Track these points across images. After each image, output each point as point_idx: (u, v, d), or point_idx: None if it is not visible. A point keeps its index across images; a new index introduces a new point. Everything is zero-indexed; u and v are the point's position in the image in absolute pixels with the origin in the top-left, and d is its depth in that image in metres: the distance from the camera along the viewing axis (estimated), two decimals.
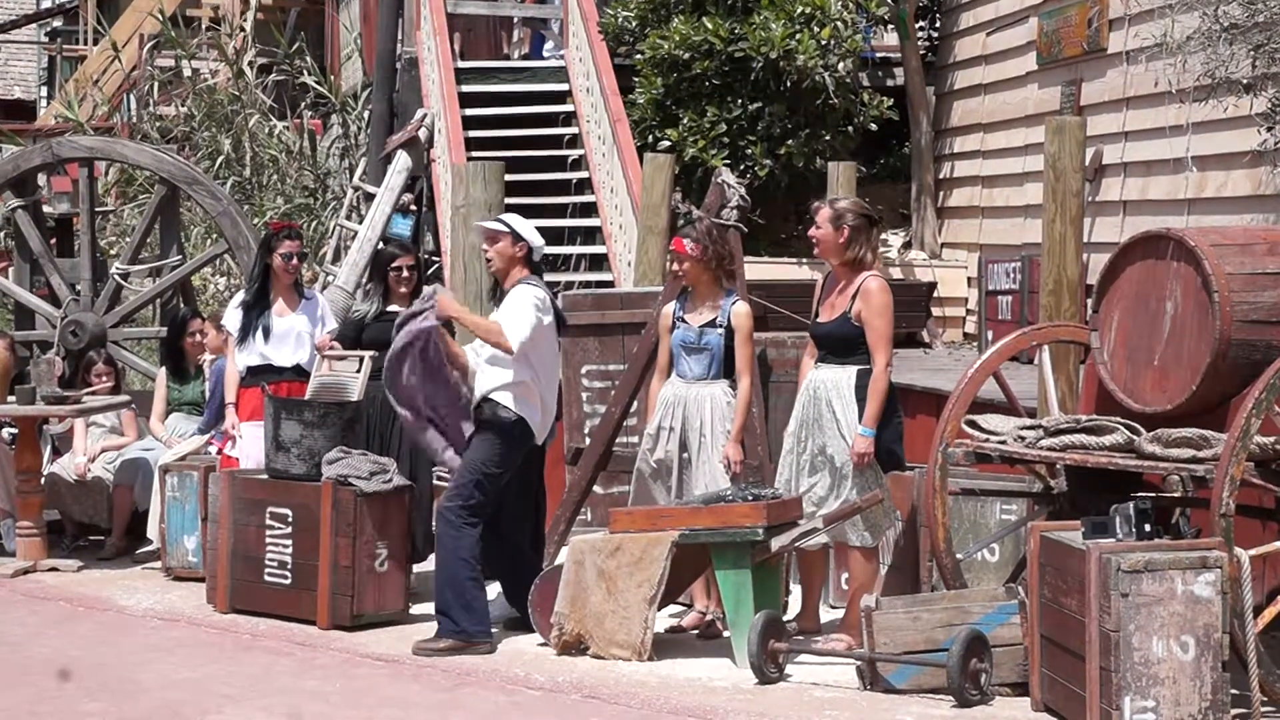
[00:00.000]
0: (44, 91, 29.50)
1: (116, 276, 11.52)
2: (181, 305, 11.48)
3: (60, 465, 10.27)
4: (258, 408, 9.08)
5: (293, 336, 9.22)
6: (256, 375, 9.21)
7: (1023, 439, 7.14)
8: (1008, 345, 7.73)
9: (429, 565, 8.45)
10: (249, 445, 9.10)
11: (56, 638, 8.19)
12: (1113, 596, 6.11)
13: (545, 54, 17.31)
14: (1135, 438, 6.85)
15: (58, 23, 29.26)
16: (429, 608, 8.07)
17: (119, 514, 10.12)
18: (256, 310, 9.18)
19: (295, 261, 9.23)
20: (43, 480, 9.91)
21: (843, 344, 7.64)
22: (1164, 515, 6.79)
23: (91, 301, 11.42)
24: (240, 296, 9.37)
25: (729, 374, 8.04)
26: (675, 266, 8.24)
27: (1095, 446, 6.92)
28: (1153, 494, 6.99)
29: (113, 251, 14.80)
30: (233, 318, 9.29)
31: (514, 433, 7.85)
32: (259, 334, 9.14)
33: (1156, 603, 6.13)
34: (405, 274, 8.91)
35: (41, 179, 13.29)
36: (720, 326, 8.02)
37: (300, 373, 9.17)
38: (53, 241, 12.07)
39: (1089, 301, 7.64)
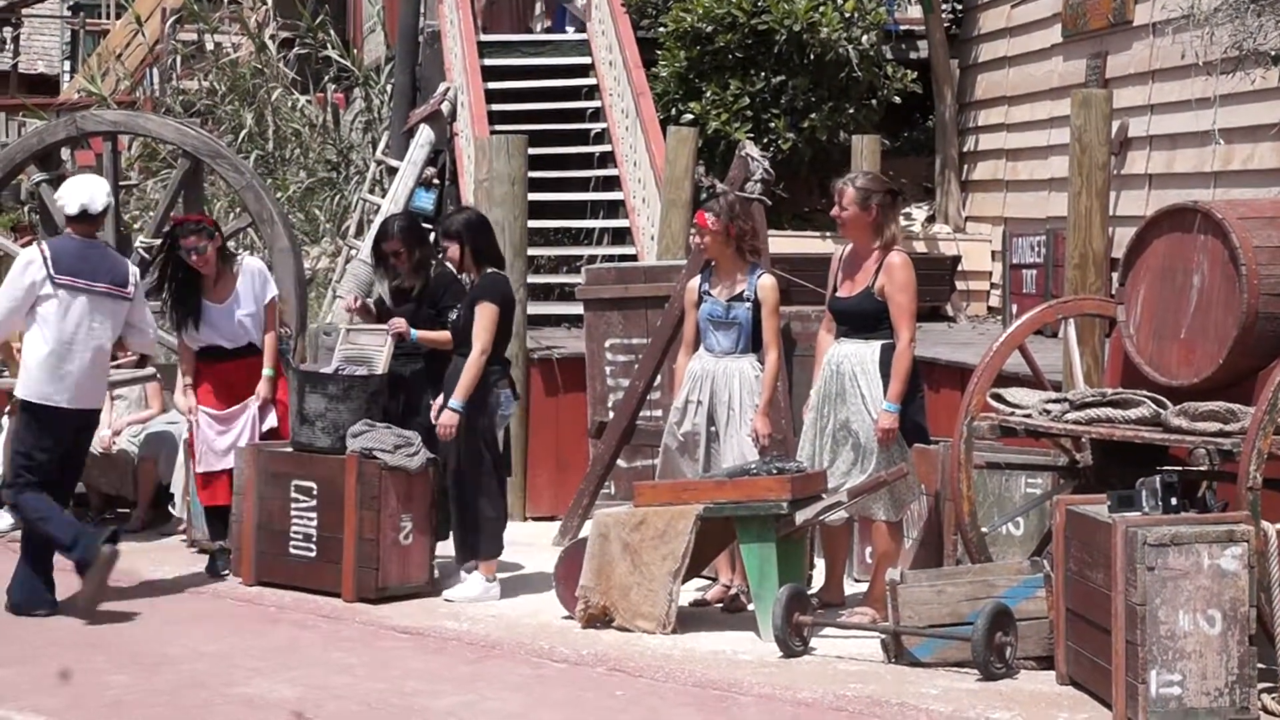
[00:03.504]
0: (67, 66, 29.52)
1: (141, 250, 11.53)
2: None
3: None
4: (212, 389, 8.83)
5: (232, 317, 8.75)
6: (209, 356, 8.84)
7: (1048, 413, 7.12)
8: (1033, 319, 7.71)
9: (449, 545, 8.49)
10: (205, 432, 8.75)
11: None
12: (1139, 570, 6.10)
13: (566, 27, 17.28)
14: (1161, 411, 6.84)
15: None
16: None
17: (144, 487, 10.16)
18: (181, 300, 8.67)
19: (196, 257, 8.59)
20: None
21: (865, 319, 7.63)
22: (1190, 489, 6.76)
23: None
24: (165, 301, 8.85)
25: (756, 347, 8.03)
26: (697, 240, 8.27)
27: (1121, 420, 6.91)
28: (1179, 467, 6.97)
29: (136, 225, 14.80)
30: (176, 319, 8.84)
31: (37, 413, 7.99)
32: (193, 323, 8.71)
33: (1183, 576, 6.11)
34: (393, 260, 8.74)
35: (65, 153, 13.32)
36: (747, 300, 8.01)
37: (253, 350, 8.80)
38: None
39: (1115, 275, 7.61)
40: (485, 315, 8.22)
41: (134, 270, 8.31)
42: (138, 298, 8.27)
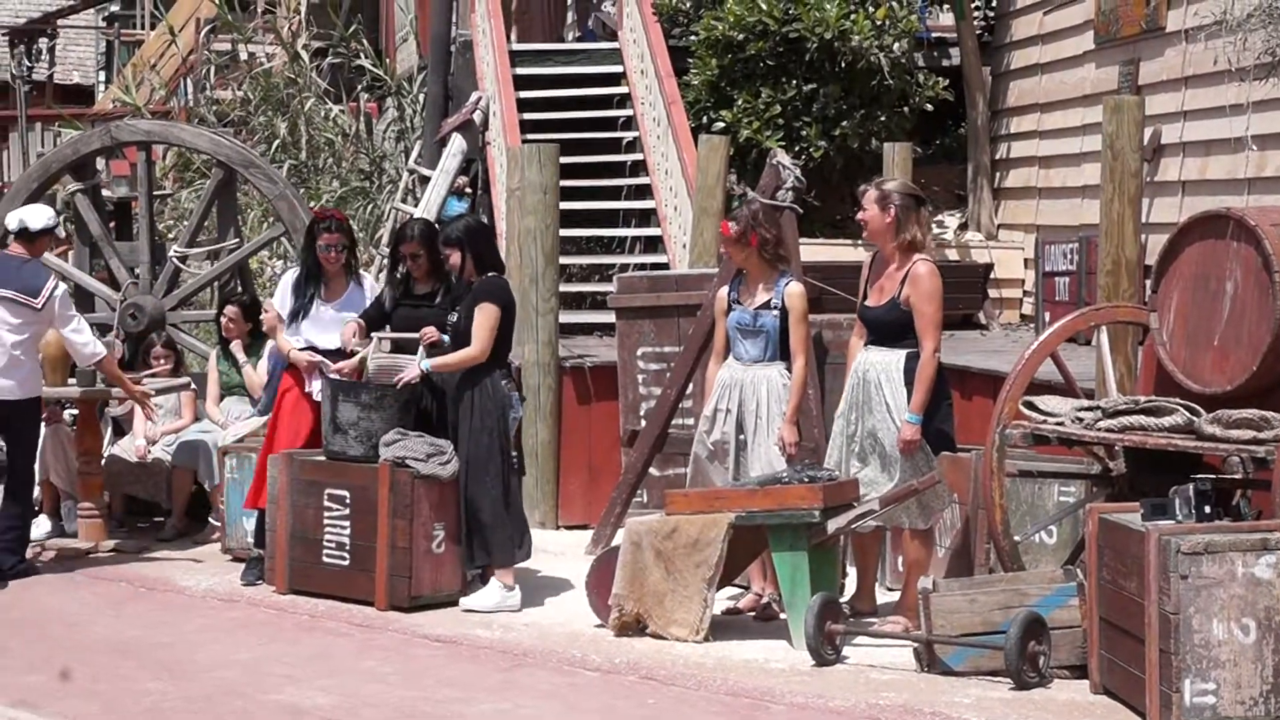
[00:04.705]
0: (102, 76, 29.67)
1: (175, 260, 11.59)
2: (238, 288, 11.56)
3: (120, 446, 10.37)
4: (299, 392, 9.02)
5: (337, 322, 8.97)
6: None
7: (1081, 420, 7.10)
8: (1066, 326, 7.69)
9: None
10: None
11: (117, 618, 8.27)
12: (1172, 579, 6.08)
13: (589, 26, 17.32)
14: (1195, 419, 6.81)
15: (115, 7, 29.43)
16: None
17: (178, 495, 10.21)
18: (305, 294, 9.05)
19: (333, 254, 8.98)
20: (103, 461, 10.00)
21: (892, 328, 7.62)
22: (1224, 497, 6.75)
23: (150, 284, 11.51)
24: (288, 277, 9.31)
25: (785, 355, 8.02)
26: (721, 248, 8.29)
27: (1154, 428, 6.88)
28: (1213, 475, 6.93)
29: (170, 235, 14.88)
30: (281, 299, 9.22)
31: None
32: (302, 319, 9.00)
33: (1217, 585, 6.09)
34: (411, 261, 8.77)
35: (100, 163, 13.40)
36: (775, 308, 8.00)
37: (345, 357, 8.91)
38: (111, 225, 12.15)
39: (1147, 282, 7.59)
40: (487, 316, 8.26)
41: (51, 287, 8.98)
42: (56, 313, 8.97)
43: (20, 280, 9.01)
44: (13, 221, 9.25)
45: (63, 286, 9.20)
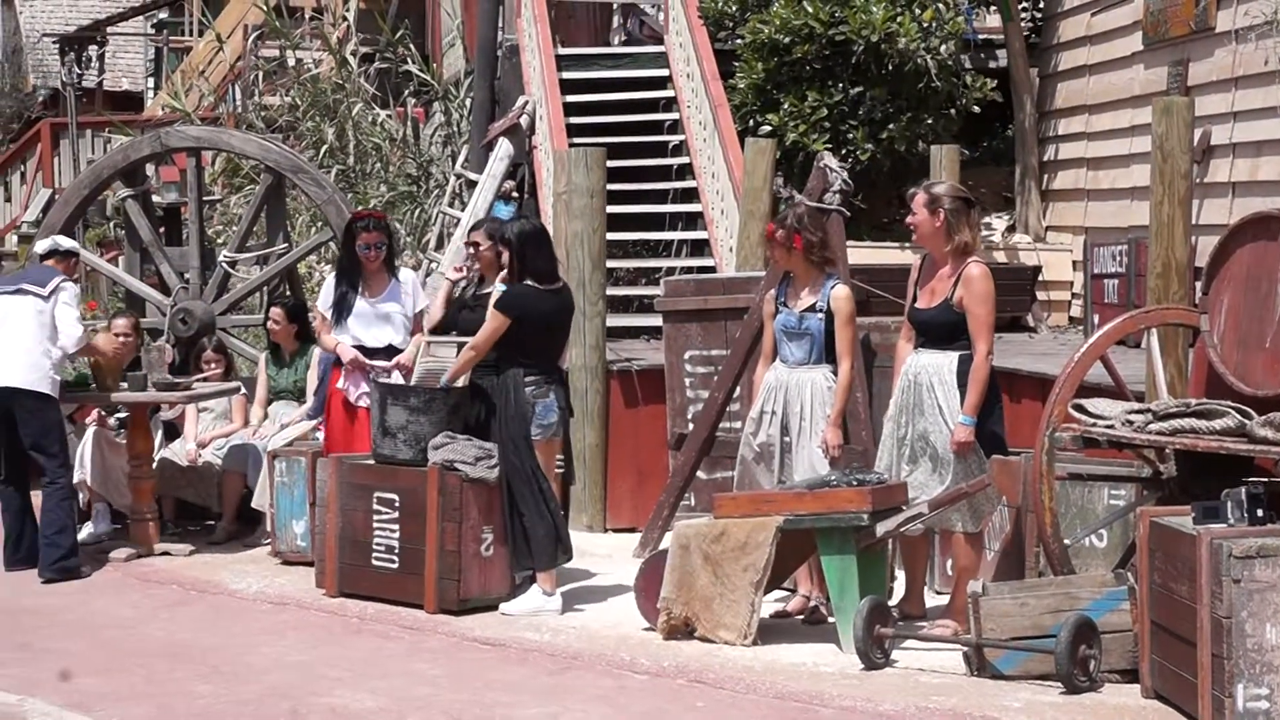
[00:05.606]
0: (151, 83, 29.81)
1: (224, 264, 11.66)
2: (287, 292, 11.62)
3: (171, 450, 10.44)
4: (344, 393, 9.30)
5: (380, 318, 9.29)
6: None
7: (1131, 423, 7.07)
8: (1116, 328, 7.65)
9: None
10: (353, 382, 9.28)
11: (169, 621, 8.33)
12: (1224, 582, 6.04)
13: (629, 27, 17.33)
14: (1246, 421, 6.76)
15: (163, 15, 29.59)
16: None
17: (228, 499, 10.27)
18: (345, 293, 9.26)
19: (373, 253, 9.24)
20: (154, 465, 10.07)
21: (944, 330, 7.60)
22: (1276, 500, 6.69)
23: (200, 289, 11.58)
24: (332, 278, 9.47)
25: (831, 358, 8.01)
26: (767, 251, 8.29)
27: (1205, 431, 6.84)
28: (1265, 479, 6.89)
29: (220, 240, 14.96)
30: (324, 299, 9.39)
31: None
32: (346, 317, 9.24)
33: (1269, 589, 6.04)
34: (474, 250, 8.93)
35: (150, 169, 13.48)
36: (820, 311, 8.00)
37: (393, 352, 9.27)
38: (161, 230, 12.24)
39: (1198, 284, 7.54)
40: (489, 321, 8.34)
41: (59, 281, 9.46)
42: (57, 300, 9.37)
43: (38, 276, 9.57)
44: (44, 246, 9.96)
45: (74, 287, 9.62)
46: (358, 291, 9.26)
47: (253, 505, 10.03)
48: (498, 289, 8.48)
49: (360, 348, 9.26)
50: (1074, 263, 14.20)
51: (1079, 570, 7.45)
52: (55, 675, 7.14)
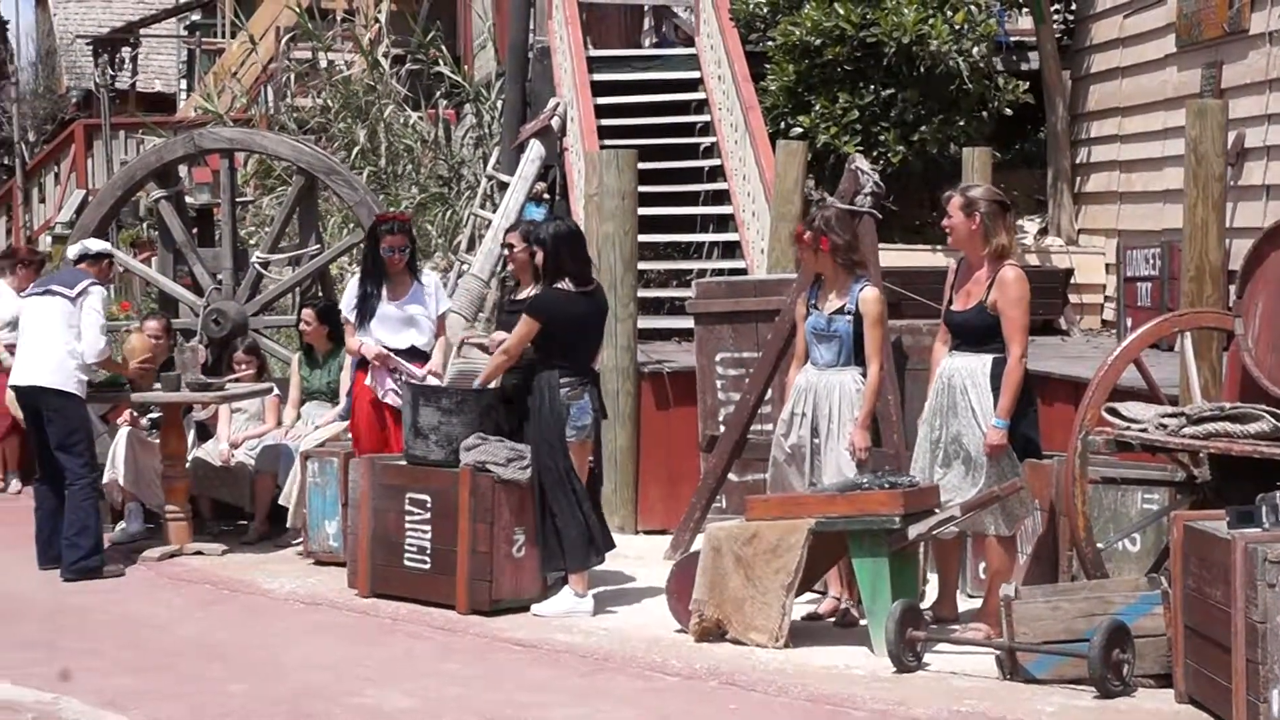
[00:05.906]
0: (184, 85, 29.93)
1: (257, 265, 11.71)
2: (319, 293, 11.66)
3: (205, 450, 10.48)
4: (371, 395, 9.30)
5: (404, 320, 9.31)
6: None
7: (1165, 427, 7.05)
8: (1149, 331, 7.63)
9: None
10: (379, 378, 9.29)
11: (202, 620, 8.36)
12: (1259, 587, 6.01)
13: (663, 31, 17.33)
14: None
15: (196, 17, 29.71)
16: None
17: (261, 500, 10.31)
18: (369, 295, 9.29)
19: (396, 255, 9.27)
20: (188, 465, 10.12)
21: (978, 333, 7.58)
22: None
23: (233, 290, 11.63)
24: (354, 281, 9.52)
25: (861, 360, 8.00)
26: (797, 253, 8.28)
27: (1240, 434, 6.82)
28: None
29: (252, 241, 15.02)
30: (347, 302, 9.42)
31: None
32: (369, 319, 9.27)
33: None
34: (508, 252, 8.99)
35: (183, 170, 13.54)
36: (849, 313, 7.98)
37: (416, 354, 9.29)
38: (194, 231, 12.29)
39: (1232, 287, 7.51)
40: (521, 324, 8.36)
41: (87, 283, 9.55)
42: (83, 304, 9.44)
43: (67, 278, 9.68)
44: (75, 251, 9.96)
45: (102, 291, 9.69)
46: (381, 294, 9.29)
47: (279, 503, 10.06)
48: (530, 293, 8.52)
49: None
50: (1107, 266, 14.16)
51: (1112, 574, 7.43)
52: (68, 674, 7.16)
